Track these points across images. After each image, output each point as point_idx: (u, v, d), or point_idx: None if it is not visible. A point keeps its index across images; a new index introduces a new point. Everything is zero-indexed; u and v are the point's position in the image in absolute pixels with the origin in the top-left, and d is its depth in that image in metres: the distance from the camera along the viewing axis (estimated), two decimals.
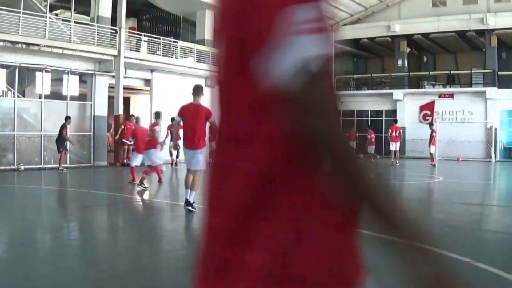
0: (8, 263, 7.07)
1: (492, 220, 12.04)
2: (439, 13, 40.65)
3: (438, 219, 11.75)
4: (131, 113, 28.31)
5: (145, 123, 29.97)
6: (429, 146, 30.59)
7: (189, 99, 27.07)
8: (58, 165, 23.15)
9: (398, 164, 31.39)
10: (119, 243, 8.82)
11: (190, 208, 11.36)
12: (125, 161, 26.55)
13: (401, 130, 33.89)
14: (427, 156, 31.87)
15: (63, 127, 23.17)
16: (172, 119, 25.53)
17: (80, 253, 7.99)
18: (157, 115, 18.55)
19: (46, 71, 24.14)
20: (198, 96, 11.77)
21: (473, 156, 37.55)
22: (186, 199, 11.48)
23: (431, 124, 32.92)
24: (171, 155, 24.68)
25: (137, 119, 19.99)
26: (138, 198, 15.36)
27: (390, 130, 33.58)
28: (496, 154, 37.65)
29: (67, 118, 23.45)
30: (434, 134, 30.64)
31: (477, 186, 20.22)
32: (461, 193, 16.61)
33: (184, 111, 11.77)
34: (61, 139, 23.03)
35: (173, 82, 30.41)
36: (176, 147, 14.38)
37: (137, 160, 17.67)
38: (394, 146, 32.64)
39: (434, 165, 29.14)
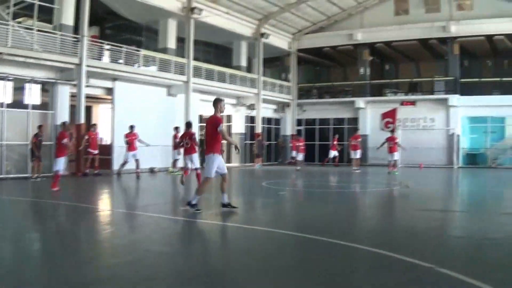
0: None
1: (455, 226, 12.29)
2: (401, 22, 41.46)
3: (401, 226, 12.16)
4: (93, 123, 28.41)
5: (106, 133, 30.38)
6: (391, 153, 31.31)
7: (151, 108, 27.73)
8: (31, 174, 23.71)
9: (359, 171, 32.22)
10: (82, 253, 8.70)
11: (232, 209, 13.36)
12: (87, 171, 26.94)
13: (360, 139, 34.99)
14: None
15: (34, 136, 23.58)
16: (131, 127, 26.15)
17: (43, 263, 8.06)
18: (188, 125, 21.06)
19: (8, 80, 23.89)
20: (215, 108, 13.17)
21: (436, 162, 38.42)
22: (227, 203, 13.40)
23: (392, 131, 33.74)
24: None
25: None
26: (99, 207, 15.48)
27: (350, 139, 34.74)
28: (458, 160, 38.58)
29: (39, 127, 23.83)
30: (395, 141, 31.37)
31: (439, 193, 20.77)
32: (424, 200, 16.95)
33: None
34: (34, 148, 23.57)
35: (135, 91, 30.55)
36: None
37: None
38: (354, 154, 33.82)
39: (396, 172, 29.79)
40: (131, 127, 26.38)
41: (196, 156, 20.98)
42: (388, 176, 28.22)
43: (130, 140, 26.25)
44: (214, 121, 12.89)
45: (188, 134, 20.92)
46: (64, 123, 19.83)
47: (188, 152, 20.75)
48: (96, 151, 27.35)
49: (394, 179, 25.99)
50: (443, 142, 39.89)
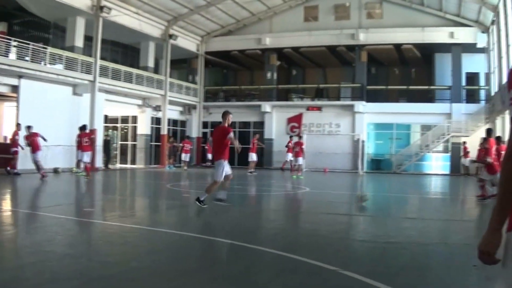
0: None
1: (359, 230, 12.69)
2: (310, 28, 42.66)
3: (305, 229, 12.43)
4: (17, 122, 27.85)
5: (9, 131, 30.09)
6: (296, 157, 32.56)
7: (56, 107, 27.81)
8: None
9: (255, 173, 33.42)
10: None
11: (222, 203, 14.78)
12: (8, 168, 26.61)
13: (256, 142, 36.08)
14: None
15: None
16: (28, 127, 26.05)
17: None
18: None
19: None
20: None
21: (341, 167, 39.52)
22: (220, 198, 14.92)
23: (300, 137, 34.99)
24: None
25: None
26: (1, 208, 14.84)
27: (252, 142, 35.87)
28: (363, 165, 40.06)
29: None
30: (302, 146, 32.68)
31: (343, 197, 21.27)
32: (328, 204, 17.42)
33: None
34: None
35: (41, 89, 30.20)
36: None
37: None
38: (251, 157, 35.19)
39: (301, 177, 30.63)
40: (28, 128, 25.92)
41: (90, 154, 26.06)
42: (292, 180, 29.04)
43: (32, 141, 25.90)
44: (224, 131, 15.04)
45: (87, 135, 26.11)
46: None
47: (86, 149, 25.62)
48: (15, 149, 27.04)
49: (299, 183, 26.58)
50: (349, 147, 41.13)
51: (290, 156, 35.90)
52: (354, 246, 10.30)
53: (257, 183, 28.18)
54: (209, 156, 40.97)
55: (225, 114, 15.36)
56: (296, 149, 32.34)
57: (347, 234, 11.90)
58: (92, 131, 28.99)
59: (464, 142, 37.82)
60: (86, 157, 26.11)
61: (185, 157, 39.27)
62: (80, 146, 27.25)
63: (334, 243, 10.33)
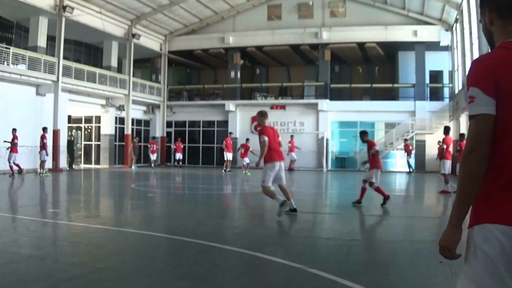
0: None
1: (324, 227, 12.81)
2: (273, 27, 42.81)
3: (270, 228, 12.50)
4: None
5: None
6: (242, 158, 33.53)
7: (19, 107, 27.39)
8: None
9: (230, 172, 33.63)
10: None
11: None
12: None
13: (231, 142, 36.14)
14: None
15: None
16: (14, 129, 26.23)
17: None
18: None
19: None
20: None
21: (305, 165, 39.86)
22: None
23: (247, 140, 35.37)
24: None
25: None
26: None
27: (224, 142, 35.85)
28: (328, 163, 40.22)
29: None
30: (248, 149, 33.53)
31: (308, 195, 21.38)
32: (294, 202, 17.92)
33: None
34: None
35: (3, 89, 29.94)
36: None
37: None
38: (228, 156, 35.12)
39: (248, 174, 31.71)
40: None
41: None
42: (248, 178, 29.50)
43: None
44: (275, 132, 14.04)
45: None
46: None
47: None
48: None
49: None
50: (313, 145, 41.49)
51: (294, 156, 37.34)
52: (319, 244, 10.38)
53: (225, 182, 28.38)
54: (179, 155, 41.73)
55: (264, 114, 13.85)
56: (242, 150, 33.89)
57: (313, 232, 11.94)
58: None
59: (406, 140, 38.45)
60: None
61: (152, 157, 40.58)
62: (43, 147, 27.63)
63: (300, 241, 10.48)
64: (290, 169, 36.87)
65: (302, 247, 9.77)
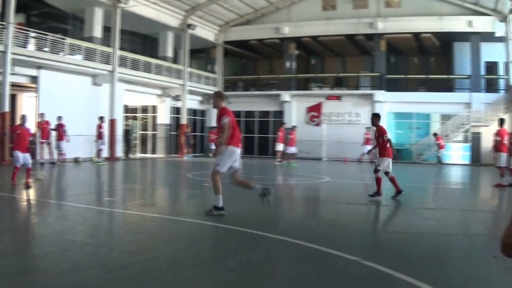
0: None
1: (379, 220, 12.67)
2: (328, 17, 42.25)
3: (325, 219, 12.34)
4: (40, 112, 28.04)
5: (31, 121, 30.23)
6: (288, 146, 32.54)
7: (76, 97, 27.59)
8: None
9: (284, 164, 32.99)
10: (4, 244, 8.53)
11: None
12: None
13: (283, 132, 35.34)
14: (315, 157, 33.62)
15: None
16: (41, 115, 26.51)
17: None
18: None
19: None
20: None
21: (360, 157, 39.44)
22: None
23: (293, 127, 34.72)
24: None
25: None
26: (23, 197, 14.93)
27: (279, 133, 35.36)
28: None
29: None
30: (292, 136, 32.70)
31: (363, 187, 20.96)
32: (347, 193, 17.15)
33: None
34: None
35: (60, 79, 30.25)
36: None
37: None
38: (281, 147, 34.56)
39: (284, 164, 31.27)
40: (41, 115, 27.44)
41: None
42: (315, 170, 28.92)
43: (43, 129, 27.34)
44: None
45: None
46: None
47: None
48: (46, 140, 27.72)
49: (320, 172, 26.72)
50: (362, 137, 40.85)
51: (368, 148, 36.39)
52: (374, 235, 10.33)
53: (279, 172, 28.14)
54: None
55: (221, 95, 12.31)
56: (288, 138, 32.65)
57: (367, 224, 11.87)
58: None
59: (436, 134, 37.64)
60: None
61: (211, 146, 39.87)
62: (99, 136, 27.99)
63: (354, 233, 10.32)
64: (359, 161, 36.56)
65: (356, 239, 9.68)
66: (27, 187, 16.24)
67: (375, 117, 15.70)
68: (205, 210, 11.80)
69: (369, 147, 34.37)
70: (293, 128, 34.08)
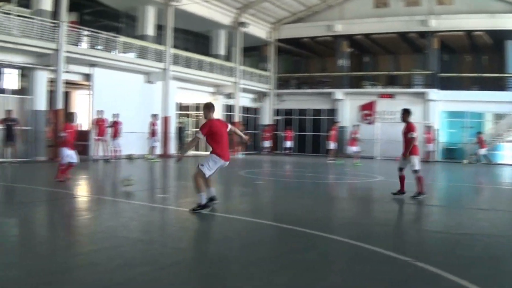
0: None
1: (431, 220, 12.36)
2: (381, 14, 41.66)
3: (378, 218, 12.21)
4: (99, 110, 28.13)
5: (84, 118, 30.57)
6: (349, 146, 31.81)
7: (129, 95, 27.77)
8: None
9: (334, 162, 32.73)
10: (59, 240, 8.79)
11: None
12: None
13: (335, 131, 34.99)
14: (368, 155, 33.14)
15: (2, 120, 23.36)
16: (100, 112, 27.14)
17: (19, 249, 8.03)
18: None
19: None
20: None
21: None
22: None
23: (354, 126, 34.09)
24: None
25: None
26: (78, 194, 15.43)
27: (331, 132, 34.87)
28: (436, 154, 39.00)
29: (8, 111, 23.54)
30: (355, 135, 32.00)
31: (414, 186, 20.85)
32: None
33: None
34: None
35: (113, 77, 30.60)
36: None
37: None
38: (332, 145, 34.16)
39: (357, 163, 30.22)
40: (99, 112, 27.75)
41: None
42: (369, 169, 28.39)
43: (100, 126, 27.66)
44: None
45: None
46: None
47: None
48: (102, 137, 28.00)
49: (373, 171, 26.39)
50: (421, 136, 40.02)
51: (431, 147, 36.73)
52: (426, 236, 10.15)
53: (332, 171, 27.93)
54: (288, 143, 42.35)
55: (210, 107, 12.25)
56: (351, 137, 31.53)
57: (420, 225, 11.73)
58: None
59: (479, 132, 36.62)
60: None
61: (265, 144, 42.08)
62: (153, 133, 28.17)
63: (407, 233, 10.35)
64: (426, 161, 35.95)
65: (409, 240, 9.64)
66: (64, 181, 16.81)
67: (406, 113, 15.48)
68: (192, 207, 11.65)
69: (431, 146, 33.79)
70: (356, 126, 33.66)
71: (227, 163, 11.89)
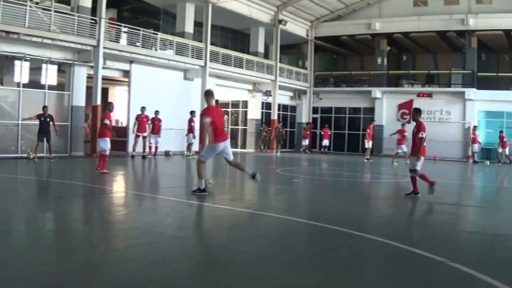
0: None
1: (468, 220, 12.15)
2: (420, 13, 41.14)
3: (413, 218, 12.11)
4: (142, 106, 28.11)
5: (122, 114, 30.56)
6: (398, 145, 30.80)
7: (167, 91, 27.67)
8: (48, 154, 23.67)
9: (371, 161, 32.46)
10: (94, 235, 8.78)
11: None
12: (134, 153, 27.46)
13: (371, 129, 34.55)
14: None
15: (36, 116, 23.37)
16: (142, 108, 27.06)
17: (55, 244, 8.04)
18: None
19: (25, 60, 24.09)
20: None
21: (451, 155, 38.13)
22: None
23: (403, 125, 33.36)
24: None
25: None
26: (114, 189, 15.47)
27: (368, 130, 34.37)
28: (474, 154, 38.26)
29: (44, 107, 23.65)
30: (404, 134, 31.13)
31: (453, 186, 20.43)
32: (437, 193, 16.57)
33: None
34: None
35: (152, 74, 30.71)
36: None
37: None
38: (367, 144, 33.80)
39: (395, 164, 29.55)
40: (142, 109, 27.46)
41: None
42: (396, 167, 28.12)
43: (141, 121, 27.34)
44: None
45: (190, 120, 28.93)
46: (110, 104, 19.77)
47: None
48: (142, 133, 27.77)
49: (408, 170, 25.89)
50: (459, 135, 39.60)
51: (476, 147, 36.49)
52: (462, 237, 9.94)
53: (368, 170, 27.68)
54: (325, 142, 42.11)
55: (212, 93, 14.03)
56: (399, 136, 30.57)
57: (455, 225, 11.43)
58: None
59: (501, 131, 35.91)
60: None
61: (304, 142, 41.97)
62: (190, 130, 28.08)
63: (442, 234, 10.03)
64: (474, 162, 35.31)
65: (444, 240, 9.34)
66: (107, 172, 17.75)
67: (417, 112, 15.05)
68: (192, 190, 13.64)
69: (476, 146, 32.99)
70: (405, 125, 33.05)
71: (225, 143, 13.39)
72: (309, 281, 6.34)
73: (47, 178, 18.27)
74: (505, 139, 35.56)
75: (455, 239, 9.53)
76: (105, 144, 18.31)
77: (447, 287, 6.41)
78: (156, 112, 28.07)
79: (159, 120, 28.10)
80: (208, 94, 13.68)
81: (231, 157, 13.62)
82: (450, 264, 7.14)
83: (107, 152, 18.31)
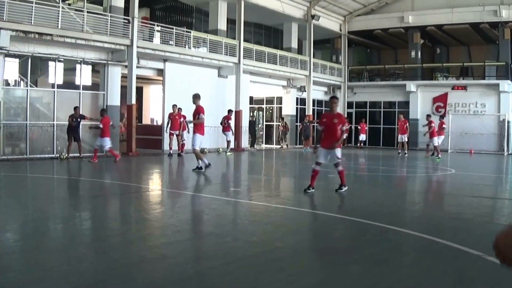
0: (20, 252, 7.06)
1: (504, 214, 11.78)
2: (452, 5, 40.08)
3: (449, 212, 11.63)
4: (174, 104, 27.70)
5: (158, 113, 30.24)
6: (431, 138, 29.77)
7: (202, 89, 27.38)
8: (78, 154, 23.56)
9: (406, 155, 31.58)
10: (131, 233, 8.72)
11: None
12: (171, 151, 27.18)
13: (402, 123, 33.25)
14: (441, 148, 31.52)
15: (69, 117, 23.23)
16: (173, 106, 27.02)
17: (92, 242, 7.96)
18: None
19: (59, 61, 23.92)
20: None
21: (486, 148, 37.18)
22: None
23: (442, 116, 32.51)
24: None
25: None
26: (150, 187, 15.40)
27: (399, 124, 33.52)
28: (509, 147, 37.24)
29: (75, 108, 23.45)
30: (443, 126, 30.16)
31: (489, 179, 20.03)
32: (473, 186, 16.26)
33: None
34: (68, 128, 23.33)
35: (185, 72, 30.43)
36: None
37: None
38: (401, 138, 32.82)
39: (437, 159, 28.31)
40: (174, 107, 27.24)
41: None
42: (439, 162, 27.29)
43: (173, 119, 27.09)
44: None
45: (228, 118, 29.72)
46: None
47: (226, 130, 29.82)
48: (176, 131, 27.32)
49: (444, 164, 25.35)
50: (494, 128, 38.60)
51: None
52: (498, 230, 8.76)
53: (403, 164, 27.19)
54: (362, 137, 41.71)
55: (199, 96, 19.00)
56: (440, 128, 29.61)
57: (492, 218, 11.08)
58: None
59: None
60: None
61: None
62: (226, 128, 27.66)
63: (479, 227, 9.75)
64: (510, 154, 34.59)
65: (480, 234, 9.02)
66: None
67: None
68: (193, 168, 18.17)
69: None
70: (443, 117, 32.23)
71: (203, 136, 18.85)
72: (347, 276, 6.30)
73: (82, 178, 18.16)
74: None
75: (491, 233, 8.72)
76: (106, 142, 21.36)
77: (484, 281, 6.26)
78: (179, 109, 27.46)
79: (184, 117, 27.26)
80: (197, 97, 18.65)
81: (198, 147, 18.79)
82: (487, 258, 6.81)
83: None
